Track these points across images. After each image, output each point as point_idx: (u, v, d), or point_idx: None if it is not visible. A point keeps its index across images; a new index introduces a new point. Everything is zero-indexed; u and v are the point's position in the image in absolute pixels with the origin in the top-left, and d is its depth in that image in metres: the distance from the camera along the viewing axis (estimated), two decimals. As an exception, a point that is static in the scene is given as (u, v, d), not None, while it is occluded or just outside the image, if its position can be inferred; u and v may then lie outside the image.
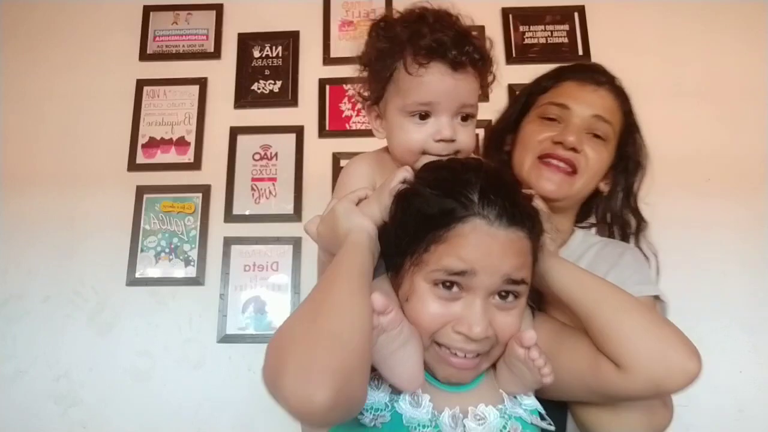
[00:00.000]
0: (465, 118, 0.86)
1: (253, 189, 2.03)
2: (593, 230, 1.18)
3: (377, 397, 0.75)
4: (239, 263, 1.95)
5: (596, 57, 2.09)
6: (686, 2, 2.12)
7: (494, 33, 2.15)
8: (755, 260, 1.88)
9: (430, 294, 0.75)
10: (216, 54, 2.16)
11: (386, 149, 0.94)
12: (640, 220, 1.14)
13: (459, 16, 0.87)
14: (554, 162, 1.03)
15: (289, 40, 2.17)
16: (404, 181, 0.80)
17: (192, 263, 1.96)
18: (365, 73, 0.91)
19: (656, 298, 1.01)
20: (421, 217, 0.75)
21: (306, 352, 0.60)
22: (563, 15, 2.16)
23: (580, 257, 1.06)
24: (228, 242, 1.97)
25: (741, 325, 1.83)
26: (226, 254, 1.96)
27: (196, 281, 1.94)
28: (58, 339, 1.90)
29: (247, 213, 2.00)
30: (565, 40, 2.14)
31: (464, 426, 0.74)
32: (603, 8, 2.14)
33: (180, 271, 1.96)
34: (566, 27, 2.15)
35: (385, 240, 0.81)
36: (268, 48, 2.16)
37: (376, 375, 0.76)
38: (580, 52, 2.11)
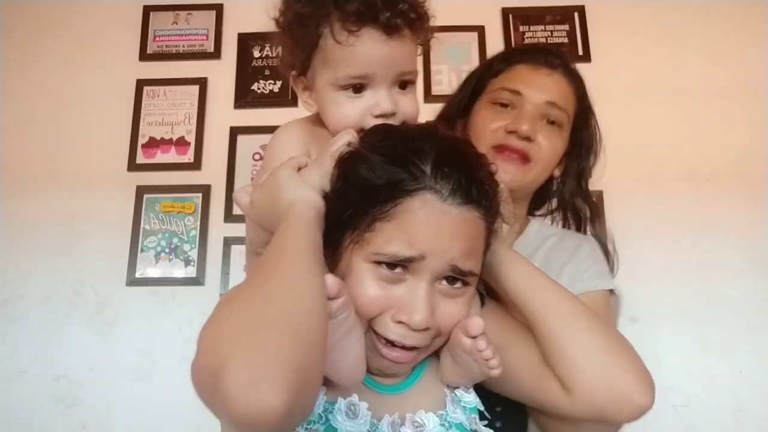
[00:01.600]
0: (403, 85, 0.76)
1: (253, 189, 2.03)
2: (548, 220, 1.14)
3: None
4: (239, 263, 1.95)
5: (596, 57, 2.09)
6: (686, 2, 2.12)
7: (494, 33, 2.15)
8: (755, 260, 1.88)
9: (370, 274, 0.65)
10: (216, 54, 2.16)
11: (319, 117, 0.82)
12: (592, 206, 1.11)
13: None
14: (509, 153, 0.99)
15: (289, 40, 2.16)
16: (348, 145, 0.70)
17: (192, 263, 1.96)
18: (285, 38, 0.78)
19: (611, 292, 1.00)
20: (366, 187, 0.66)
21: (255, 345, 0.47)
22: (563, 15, 2.16)
23: (536, 249, 1.03)
24: (228, 242, 1.97)
25: (741, 325, 1.83)
26: (226, 254, 1.96)
27: (196, 281, 1.94)
28: (58, 339, 1.90)
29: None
30: (565, 40, 2.14)
31: None
32: (603, 8, 2.14)
33: (180, 271, 1.96)
34: (566, 27, 2.15)
35: (328, 217, 0.69)
36: (268, 48, 2.16)
37: None
38: (580, 52, 2.11)
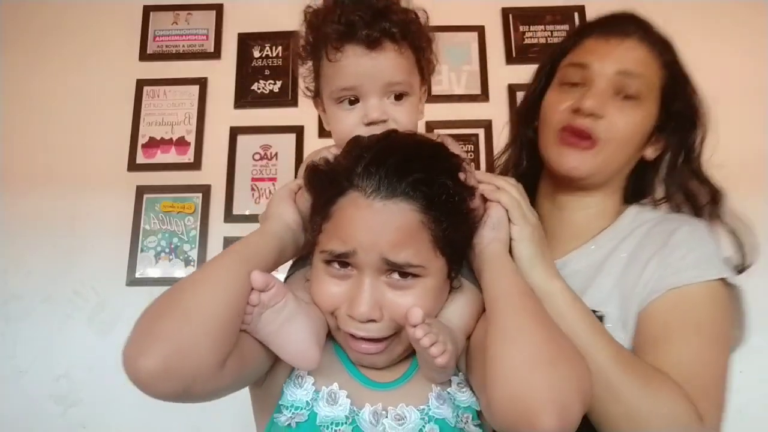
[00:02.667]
0: (399, 97, 0.81)
1: (253, 189, 2.03)
2: (646, 205, 0.99)
3: (299, 394, 0.72)
4: (239, 263, 1.95)
5: (596, 57, 2.10)
6: (686, 2, 2.12)
7: (494, 33, 2.15)
8: (755, 260, 1.87)
9: (325, 273, 0.73)
10: (216, 54, 2.16)
11: None
12: (713, 189, 0.95)
13: None
14: (571, 137, 0.89)
15: (289, 40, 2.16)
16: (320, 159, 0.76)
17: (192, 263, 1.96)
18: (305, 66, 0.87)
19: (725, 282, 0.85)
20: (315, 192, 0.75)
21: (150, 322, 0.62)
22: (563, 15, 2.16)
23: (623, 239, 0.90)
24: (228, 242, 1.97)
25: (741, 325, 1.83)
26: (226, 254, 1.96)
27: (196, 281, 1.94)
28: (58, 339, 1.90)
29: (247, 213, 2.00)
30: (565, 40, 2.14)
31: (384, 425, 0.71)
32: (603, 8, 2.12)
33: (180, 271, 1.96)
34: (566, 27, 2.15)
35: (307, 228, 0.79)
36: (268, 48, 2.16)
37: (299, 373, 0.74)
38: (580, 52, 2.11)
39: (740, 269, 0.95)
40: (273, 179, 2.03)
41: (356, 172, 0.69)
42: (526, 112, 1.01)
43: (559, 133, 0.90)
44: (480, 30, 2.15)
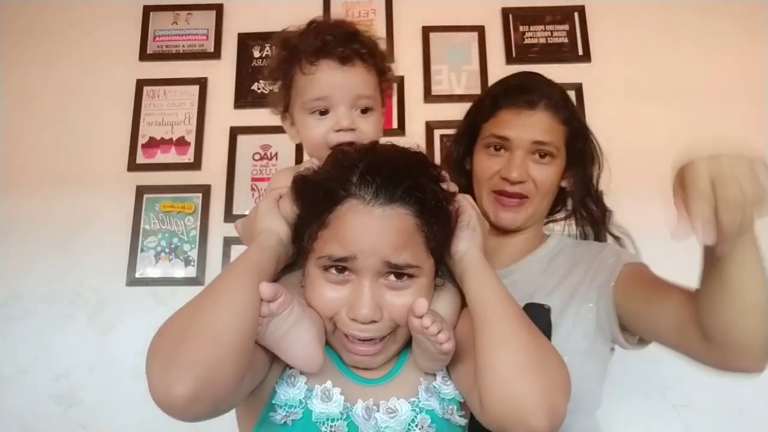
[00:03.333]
0: (365, 111, 0.90)
1: (253, 189, 2.03)
2: (566, 232, 1.25)
3: (292, 393, 0.75)
4: (239, 263, 1.95)
5: (596, 57, 2.09)
6: (686, 2, 2.12)
7: (494, 33, 2.15)
8: (755, 260, 1.87)
9: (322, 279, 0.76)
10: (216, 54, 2.16)
11: None
12: (604, 209, 1.19)
13: (354, 24, 0.93)
14: (506, 200, 1.11)
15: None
16: (306, 170, 0.81)
17: (192, 263, 1.96)
18: (276, 87, 0.98)
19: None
20: (308, 202, 0.78)
21: (173, 347, 0.62)
22: (563, 15, 2.16)
23: (558, 252, 1.14)
24: (228, 242, 1.97)
25: (741, 325, 1.82)
26: (226, 254, 1.96)
27: (197, 281, 1.94)
28: (58, 339, 1.90)
29: (247, 213, 1.99)
30: (565, 40, 2.14)
31: (376, 419, 0.74)
32: (603, 8, 2.14)
33: (180, 271, 1.96)
34: (566, 27, 2.15)
35: (294, 236, 0.81)
36: (268, 48, 2.16)
37: (292, 372, 0.76)
38: (580, 52, 2.11)
39: None
40: (273, 179, 2.03)
41: (352, 181, 0.73)
42: (458, 164, 1.22)
43: (493, 194, 1.12)
44: (480, 30, 2.15)
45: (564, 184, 1.18)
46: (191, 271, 1.95)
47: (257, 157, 2.06)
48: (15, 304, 1.93)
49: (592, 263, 1.07)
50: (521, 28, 2.15)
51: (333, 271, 0.75)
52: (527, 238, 1.17)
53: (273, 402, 0.75)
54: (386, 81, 0.95)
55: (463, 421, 0.79)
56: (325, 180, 0.76)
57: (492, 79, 2.10)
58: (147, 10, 2.21)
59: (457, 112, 2.03)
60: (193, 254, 1.97)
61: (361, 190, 0.73)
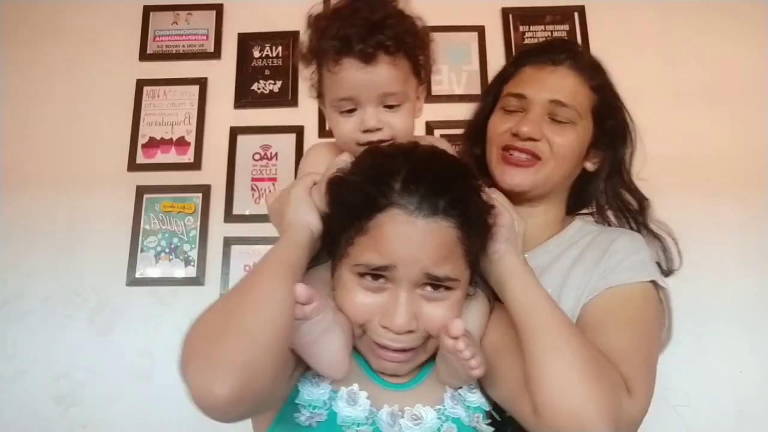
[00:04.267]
0: (394, 106, 0.86)
1: (253, 189, 2.03)
2: (591, 219, 1.12)
3: (316, 394, 0.74)
4: (239, 263, 1.95)
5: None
6: (686, 2, 2.12)
7: (494, 33, 2.15)
8: (755, 260, 1.88)
9: (356, 285, 0.74)
10: (216, 54, 2.16)
11: None
12: (641, 199, 1.07)
13: (387, 1, 0.85)
14: (515, 155, 1.00)
15: (289, 40, 2.17)
16: (338, 170, 0.79)
17: (192, 263, 1.96)
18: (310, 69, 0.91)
19: (655, 284, 0.95)
20: (346, 205, 0.75)
21: (212, 346, 0.60)
22: (563, 15, 2.16)
23: (570, 246, 1.02)
24: (228, 242, 1.97)
25: (741, 325, 1.83)
26: (226, 254, 1.96)
27: (196, 281, 1.94)
28: (58, 339, 1.90)
29: (247, 213, 2.00)
30: (565, 40, 2.14)
31: (401, 425, 0.73)
32: (603, 8, 2.14)
33: (180, 271, 1.96)
34: (566, 27, 2.15)
35: (324, 234, 0.80)
36: (268, 48, 2.16)
37: (316, 372, 0.75)
38: (580, 52, 2.11)
39: (668, 273, 1.04)
40: (273, 179, 2.03)
41: (394, 188, 0.71)
42: (474, 132, 1.13)
43: (501, 152, 1.02)
44: (480, 30, 2.15)
45: (589, 165, 1.06)
46: (191, 271, 1.95)
47: (257, 157, 2.06)
48: (15, 304, 1.93)
49: (592, 265, 0.96)
50: (521, 28, 2.15)
51: (368, 278, 0.73)
52: (539, 222, 1.04)
53: (296, 402, 0.74)
54: (423, 62, 0.88)
55: (490, 430, 0.78)
56: (364, 184, 0.73)
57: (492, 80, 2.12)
58: (147, 10, 2.21)
59: (458, 112, 2.02)
60: (193, 254, 1.97)
61: (404, 200, 0.70)
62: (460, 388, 0.79)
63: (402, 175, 0.71)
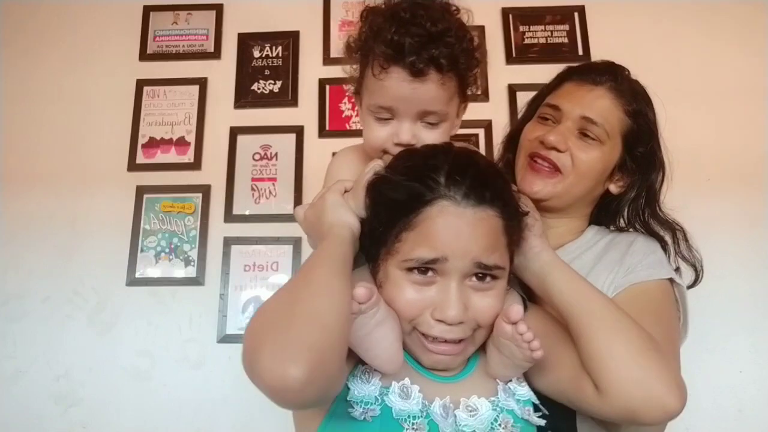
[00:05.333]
0: (433, 124, 0.85)
1: (253, 189, 2.03)
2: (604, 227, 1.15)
3: (367, 390, 0.75)
4: (239, 263, 1.95)
5: (596, 57, 2.07)
6: (686, 3, 2.12)
7: (494, 33, 2.15)
8: (755, 260, 1.88)
9: (405, 280, 0.75)
10: (216, 54, 2.16)
11: None
12: (673, 229, 1.11)
13: (450, 11, 0.83)
14: (539, 163, 1.04)
15: (289, 40, 2.17)
16: (375, 173, 0.81)
17: (192, 263, 1.96)
18: (354, 58, 0.89)
19: (671, 281, 0.99)
20: (391, 203, 0.76)
21: (282, 331, 0.61)
22: (563, 15, 2.16)
23: (587, 249, 1.05)
24: (228, 242, 1.97)
25: (741, 325, 1.83)
26: (226, 254, 1.96)
27: (196, 281, 1.94)
28: (58, 339, 1.90)
29: (247, 213, 2.00)
30: (565, 40, 2.14)
31: (455, 416, 0.74)
32: (603, 8, 2.14)
33: (180, 271, 1.96)
34: (566, 27, 2.15)
35: (363, 232, 0.81)
36: (268, 48, 2.16)
37: (366, 369, 0.77)
38: (580, 52, 2.11)
39: (690, 286, 1.12)
40: (273, 179, 2.03)
41: (440, 181, 0.73)
42: (510, 138, 1.18)
43: (527, 159, 1.06)
44: (480, 30, 2.14)
45: (613, 188, 1.08)
46: (191, 271, 1.95)
47: (257, 157, 2.06)
48: (15, 304, 1.93)
49: (615, 264, 0.99)
50: (521, 28, 2.15)
51: (416, 272, 0.74)
52: (560, 232, 1.07)
53: (347, 399, 0.74)
54: (471, 80, 0.88)
55: (542, 422, 0.79)
56: (408, 181, 0.75)
57: (492, 79, 2.11)
58: (147, 10, 2.21)
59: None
60: (193, 254, 1.97)
61: (452, 191, 0.73)
62: (509, 381, 0.80)
63: (445, 170, 0.73)
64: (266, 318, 0.65)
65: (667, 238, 1.10)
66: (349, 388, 0.75)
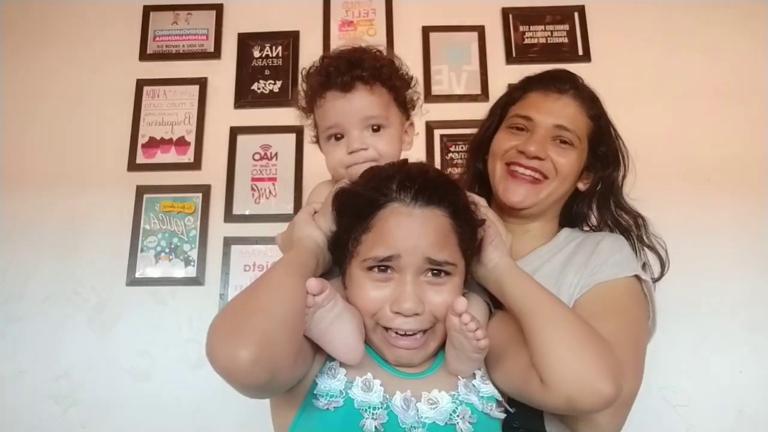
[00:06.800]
0: (377, 129, 0.95)
1: (253, 189, 2.03)
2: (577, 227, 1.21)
3: (332, 384, 0.80)
4: (239, 263, 1.95)
5: (596, 57, 2.09)
6: (686, 2, 2.12)
7: (494, 33, 2.15)
8: (755, 260, 1.88)
9: (366, 279, 0.82)
10: (216, 54, 2.16)
11: None
12: (635, 216, 1.17)
13: (362, 49, 0.97)
14: (520, 171, 1.10)
15: (289, 40, 2.17)
16: (341, 187, 0.89)
17: (192, 263, 1.96)
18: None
19: (637, 278, 1.03)
20: (350, 211, 0.85)
21: (236, 320, 0.69)
22: (563, 15, 2.16)
23: (559, 251, 1.11)
24: (228, 242, 1.97)
25: (741, 325, 1.83)
26: (226, 254, 1.96)
27: (196, 281, 1.94)
28: (58, 339, 1.90)
29: (247, 213, 2.00)
30: (565, 40, 2.14)
31: (417, 409, 0.79)
32: (603, 8, 2.14)
33: (180, 271, 1.96)
34: (566, 27, 2.15)
35: (333, 245, 0.88)
36: (268, 48, 2.16)
37: (333, 365, 0.82)
38: (580, 52, 2.11)
39: (659, 278, 1.17)
40: (273, 179, 2.04)
41: (392, 188, 0.81)
42: (478, 147, 1.23)
43: (505, 167, 1.12)
44: (480, 30, 2.15)
45: (581, 186, 1.16)
46: (191, 271, 1.95)
47: (257, 157, 2.06)
48: (15, 304, 1.93)
49: (581, 265, 1.05)
50: (521, 28, 2.15)
51: (376, 270, 0.81)
52: (533, 236, 1.15)
53: (314, 392, 0.80)
54: (404, 97, 1.00)
55: (502, 415, 0.84)
56: (365, 189, 0.84)
57: (492, 79, 2.11)
58: (147, 10, 2.21)
59: (457, 112, 2.04)
60: (193, 254, 1.97)
61: (401, 194, 0.81)
62: (474, 378, 0.85)
63: (397, 179, 0.82)
64: (225, 310, 0.73)
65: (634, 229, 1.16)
66: (317, 383, 0.81)
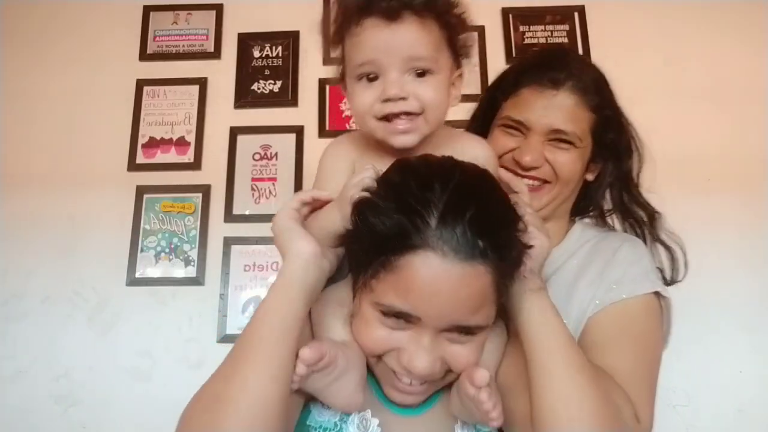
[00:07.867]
0: (422, 74, 0.76)
1: (253, 189, 2.03)
2: (589, 221, 1.14)
3: (326, 416, 0.73)
4: (239, 263, 1.95)
5: (596, 57, 2.09)
6: (686, 2, 2.12)
7: (494, 33, 2.15)
8: (755, 260, 1.88)
9: (376, 320, 0.69)
10: (216, 54, 2.16)
11: None
12: (651, 212, 1.09)
13: None
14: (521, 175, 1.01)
15: (289, 40, 2.17)
16: (365, 187, 0.70)
17: (192, 263, 1.96)
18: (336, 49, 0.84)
19: (658, 295, 0.97)
20: (375, 235, 0.66)
21: (205, 416, 0.64)
22: (563, 15, 2.16)
23: (572, 255, 1.04)
24: (228, 242, 1.97)
25: (741, 325, 1.82)
26: (226, 254, 1.96)
27: (196, 281, 1.94)
28: (58, 339, 1.90)
29: (247, 213, 2.00)
30: (565, 40, 2.14)
31: None
32: (603, 8, 2.14)
33: (180, 271, 1.96)
34: (566, 27, 2.15)
35: (347, 246, 0.74)
36: (268, 48, 2.16)
37: None
38: (580, 52, 2.10)
39: (671, 282, 1.08)
40: (273, 179, 2.03)
41: (430, 224, 0.63)
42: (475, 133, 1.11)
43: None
44: (480, 30, 2.15)
45: (589, 176, 1.08)
46: (191, 271, 1.95)
47: (257, 157, 2.06)
48: (15, 304, 1.93)
49: (596, 277, 0.97)
50: (521, 28, 2.15)
51: (391, 316, 0.68)
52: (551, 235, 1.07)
53: (307, 423, 0.74)
54: (459, 39, 0.80)
55: None
56: (396, 213, 0.64)
57: (492, 79, 2.11)
58: (147, 10, 2.21)
59: (457, 111, 2.03)
60: (193, 254, 1.97)
61: (441, 240, 0.62)
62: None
63: (439, 210, 0.63)
64: (201, 397, 0.67)
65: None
66: (311, 411, 0.75)
